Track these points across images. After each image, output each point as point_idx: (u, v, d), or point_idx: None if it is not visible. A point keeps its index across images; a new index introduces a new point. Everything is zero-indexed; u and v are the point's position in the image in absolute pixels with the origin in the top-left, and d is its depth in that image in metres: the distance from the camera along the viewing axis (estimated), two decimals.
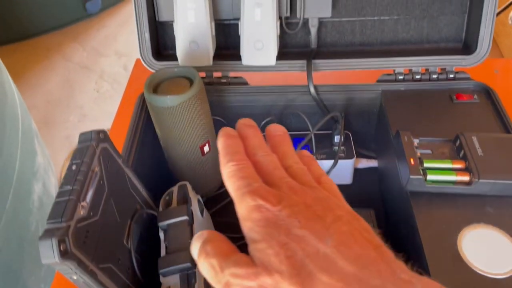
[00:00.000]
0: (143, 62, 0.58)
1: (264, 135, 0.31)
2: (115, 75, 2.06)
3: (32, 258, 0.88)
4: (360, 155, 0.62)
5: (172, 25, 0.57)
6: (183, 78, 0.51)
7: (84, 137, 0.38)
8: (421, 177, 0.43)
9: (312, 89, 0.57)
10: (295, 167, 0.30)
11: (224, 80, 0.59)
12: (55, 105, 1.91)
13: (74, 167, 0.35)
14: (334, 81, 0.60)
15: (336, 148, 0.58)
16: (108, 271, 0.35)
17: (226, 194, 0.59)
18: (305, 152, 0.33)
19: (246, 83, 0.59)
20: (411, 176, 0.43)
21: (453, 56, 0.57)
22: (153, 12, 0.58)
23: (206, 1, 0.53)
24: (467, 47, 0.59)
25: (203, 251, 0.26)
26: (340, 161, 0.57)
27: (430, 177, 0.44)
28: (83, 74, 2.07)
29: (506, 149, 0.45)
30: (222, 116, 0.60)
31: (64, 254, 0.30)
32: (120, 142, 0.51)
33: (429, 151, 0.47)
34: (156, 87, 0.50)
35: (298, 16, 0.57)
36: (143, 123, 0.54)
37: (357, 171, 0.61)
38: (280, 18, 0.57)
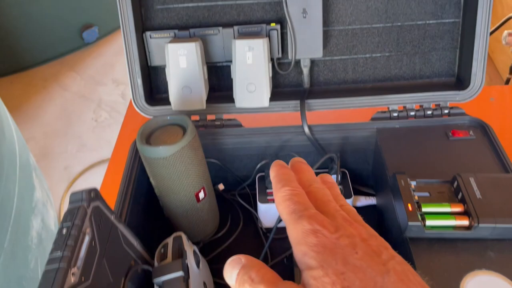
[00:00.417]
0: (136, 108, 0.58)
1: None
2: (113, 104, 2.06)
3: None
4: (358, 192, 0.61)
5: (164, 69, 0.57)
6: (176, 126, 0.51)
7: (75, 197, 0.37)
8: (419, 223, 0.43)
9: (306, 130, 0.56)
10: (346, 206, 0.30)
11: (218, 123, 0.58)
12: (53, 135, 1.91)
13: (64, 231, 0.35)
14: (328, 119, 0.59)
15: None
16: None
17: (222, 238, 0.59)
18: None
19: (240, 125, 0.59)
20: (410, 223, 0.43)
21: (446, 91, 0.57)
22: (145, 57, 0.58)
23: (198, 47, 0.53)
24: (460, 81, 0.58)
25: (247, 278, 0.25)
26: None
27: (429, 222, 0.44)
28: (81, 103, 2.08)
29: (504, 190, 0.45)
30: (217, 158, 0.59)
31: None
32: (120, 170, 0.50)
33: (426, 194, 0.47)
34: (149, 136, 0.50)
35: (289, 57, 0.57)
36: (137, 171, 0.53)
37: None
38: (272, 59, 0.57)
